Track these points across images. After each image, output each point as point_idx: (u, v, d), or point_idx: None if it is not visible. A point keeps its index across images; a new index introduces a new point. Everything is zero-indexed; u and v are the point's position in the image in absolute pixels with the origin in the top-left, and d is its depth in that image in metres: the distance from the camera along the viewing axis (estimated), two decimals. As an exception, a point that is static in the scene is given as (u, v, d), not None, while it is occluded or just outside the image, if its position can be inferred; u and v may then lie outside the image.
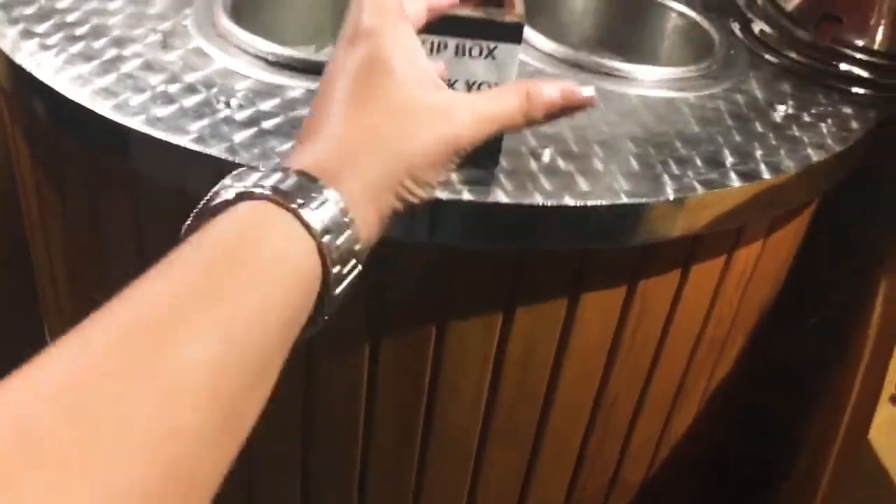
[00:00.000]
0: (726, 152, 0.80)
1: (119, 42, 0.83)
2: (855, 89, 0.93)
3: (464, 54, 0.66)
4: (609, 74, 0.89)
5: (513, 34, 0.66)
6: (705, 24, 1.02)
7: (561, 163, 0.75)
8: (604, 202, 0.72)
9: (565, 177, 0.73)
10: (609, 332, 0.84)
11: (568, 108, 0.53)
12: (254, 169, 0.43)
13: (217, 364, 0.34)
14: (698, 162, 0.78)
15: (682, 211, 0.74)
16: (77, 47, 0.81)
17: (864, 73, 0.93)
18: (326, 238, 0.41)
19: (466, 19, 0.65)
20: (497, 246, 0.75)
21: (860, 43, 0.93)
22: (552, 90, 0.52)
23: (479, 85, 0.68)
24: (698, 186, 0.75)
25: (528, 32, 0.92)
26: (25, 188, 0.97)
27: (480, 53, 0.66)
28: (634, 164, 0.77)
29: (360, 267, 0.45)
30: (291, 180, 0.42)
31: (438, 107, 0.48)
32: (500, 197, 0.70)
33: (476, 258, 0.76)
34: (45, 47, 0.80)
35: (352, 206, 0.43)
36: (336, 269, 0.42)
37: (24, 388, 0.30)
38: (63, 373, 0.31)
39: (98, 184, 0.82)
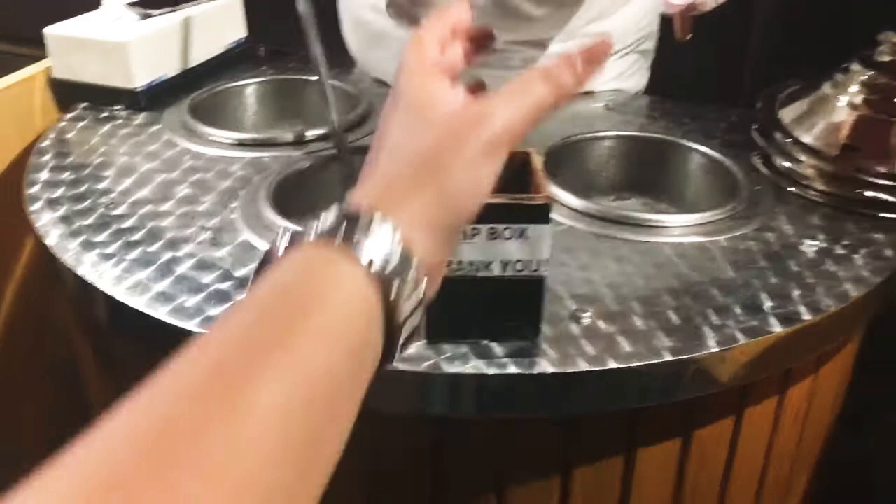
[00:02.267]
0: (763, 296, 0.81)
1: (173, 244, 0.88)
2: (883, 214, 0.94)
3: (496, 237, 0.70)
4: (639, 225, 0.92)
5: (542, 215, 0.69)
6: (728, 162, 1.05)
7: (602, 324, 0.77)
8: (647, 362, 0.73)
9: (607, 339, 0.75)
10: (669, 484, 0.83)
11: (591, 57, 0.51)
12: (311, 219, 0.45)
13: (288, 408, 0.35)
14: (737, 309, 0.79)
15: (726, 363, 0.75)
16: (134, 253, 0.86)
17: (892, 198, 0.94)
18: (380, 267, 0.42)
19: (496, 205, 0.69)
20: (545, 414, 0.76)
21: (883, 169, 0.95)
22: (567, 55, 0.52)
23: (516, 263, 0.71)
24: (739, 336, 0.76)
25: (557, 191, 0.96)
26: (87, 386, 1.02)
27: (512, 235, 0.70)
28: (674, 318, 0.78)
29: (422, 293, 0.45)
30: (341, 219, 0.43)
31: (467, 115, 0.49)
32: (545, 367, 0.72)
33: (528, 425, 0.77)
34: (106, 257, 0.86)
35: (406, 231, 0.44)
36: (395, 296, 0.43)
37: (110, 431, 0.32)
38: (143, 417, 0.33)
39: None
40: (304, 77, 1.29)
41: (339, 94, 1.25)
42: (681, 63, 1.37)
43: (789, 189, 0.99)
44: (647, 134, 1.14)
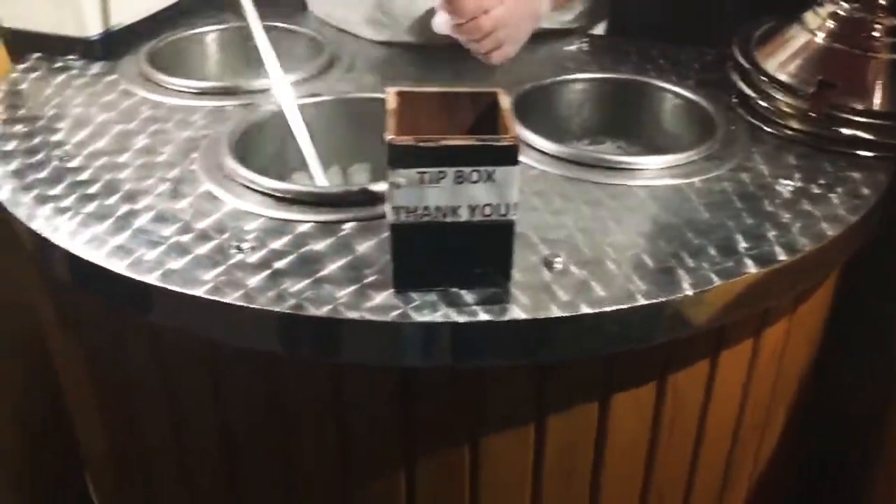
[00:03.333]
0: (739, 237, 0.79)
1: (131, 196, 0.85)
2: (860, 153, 0.93)
3: (463, 181, 0.67)
4: (612, 168, 0.90)
5: (509, 156, 0.67)
6: (703, 102, 1.02)
7: (574, 269, 0.75)
8: (621, 307, 0.71)
9: (580, 284, 0.73)
10: (645, 429, 0.82)
11: None
12: None
13: None
14: (712, 251, 0.78)
15: (701, 305, 0.73)
16: (91, 207, 0.83)
17: (868, 136, 0.93)
18: None
19: (463, 147, 0.67)
20: (520, 361, 0.74)
21: (859, 106, 0.93)
22: None
23: (484, 207, 0.69)
24: (715, 278, 0.74)
25: (529, 135, 0.94)
26: (53, 343, 0.99)
27: (479, 178, 0.67)
28: (648, 261, 0.76)
29: None
30: None
31: None
32: (517, 313, 0.70)
33: (500, 373, 0.76)
34: (61, 210, 0.82)
35: None
36: None
37: None
38: None
39: (121, 337, 0.83)
40: (269, 23, 1.24)
41: (301, 40, 1.22)
42: (654, 4, 1.33)
43: (765, 128, 0.97)
44: (620, 76, 1.11)
